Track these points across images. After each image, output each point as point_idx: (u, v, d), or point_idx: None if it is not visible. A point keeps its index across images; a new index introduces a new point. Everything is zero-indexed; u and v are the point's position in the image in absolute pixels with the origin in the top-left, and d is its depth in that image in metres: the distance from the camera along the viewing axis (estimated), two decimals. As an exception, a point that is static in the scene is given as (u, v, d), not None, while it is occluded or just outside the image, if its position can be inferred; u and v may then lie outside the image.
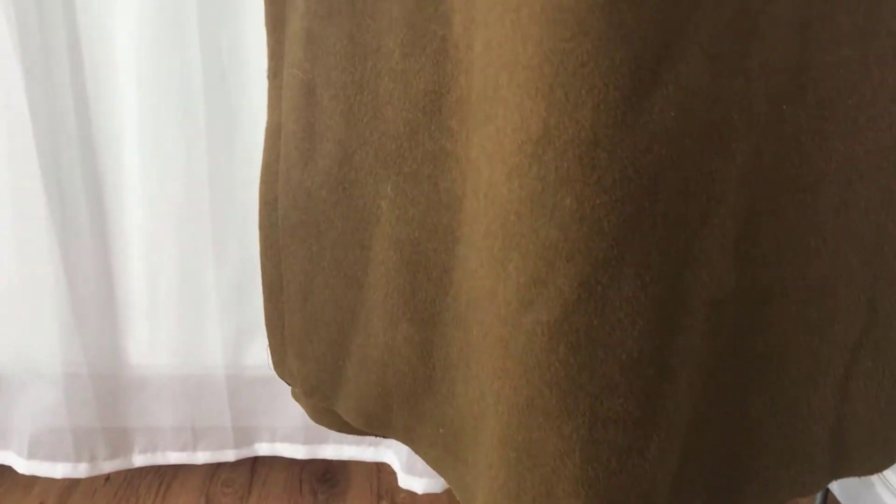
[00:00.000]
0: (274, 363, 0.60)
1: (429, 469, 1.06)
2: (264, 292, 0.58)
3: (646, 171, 0.36)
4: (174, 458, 1.12)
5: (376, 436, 0.56)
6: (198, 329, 1.05)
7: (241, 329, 1.08)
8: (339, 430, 0.59)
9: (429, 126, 0.44)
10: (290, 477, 1.20)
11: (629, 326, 0.37)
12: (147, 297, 1.04)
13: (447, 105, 0.42)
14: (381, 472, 1.21)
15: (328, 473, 1.22)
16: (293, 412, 1.11)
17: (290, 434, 1.12)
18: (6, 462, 1.10)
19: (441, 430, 0.49)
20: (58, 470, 1.07)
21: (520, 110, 0.36)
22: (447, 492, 1.08)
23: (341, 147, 0.48)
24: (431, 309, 0.47)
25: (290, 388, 0.61)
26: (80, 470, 1.07)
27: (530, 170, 0.36)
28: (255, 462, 1.21)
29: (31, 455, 1.06)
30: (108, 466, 1.10)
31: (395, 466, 1.12)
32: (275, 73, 0.53)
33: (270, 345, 0.60)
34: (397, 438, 0.53)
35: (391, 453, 1.13)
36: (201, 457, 1.12)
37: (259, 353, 1.10)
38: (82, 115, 0.96)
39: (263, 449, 1.15)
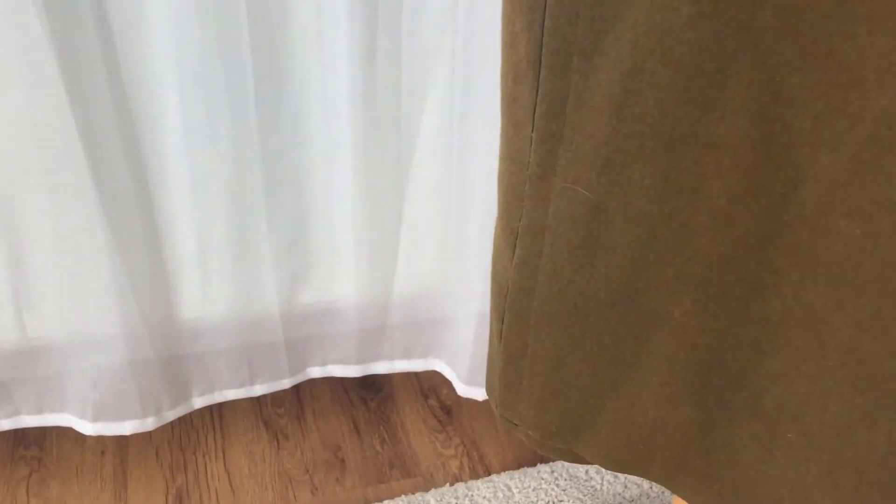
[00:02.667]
0: (502, 406, 0.65)
1: (478, 380, 1.15)
2: (504, 355, 0.61)
3: None
4: (232, 394, 1.15)
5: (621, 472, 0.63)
6: (251, 279, 1.05)
7: (295, 274, 1.08)
8: (564, 459, 0.65)
9: (748, 261, 0.47)
10: (334, 390, 1.27)
11: None
12: (197, 253, 1.02)
13: (777, 247, 0.46)
14: (420, 376, 1.30)
15: (369, 382, 1.29)
16: (344, 339, 1.15)
17: (343, 357, 1.17)
18: (68, 424, 1.09)
19: (716, 486, 0.56)
20: (125, 427, 1.08)
21: None
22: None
23: (633, 263, 0.50)
24: (721, 400, 0.52)
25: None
26: (148, 424, 1.09)
27: None
28: (299, 384, 1.25)
29: (96, 418, 1.06)
30: (171, 415, 1.11)
31: (448, 375, 1.20)
32: (540, 178, 0.52)
33: (501, 394, 0.64)
34: (651, 479, 0.61)
35: (442, 363, 1.20)
36: (259, 389, 1.16)
37: (312, 293, 1.11)
38: (114, 74, 0.87)
39: (316, 373, 1.19)
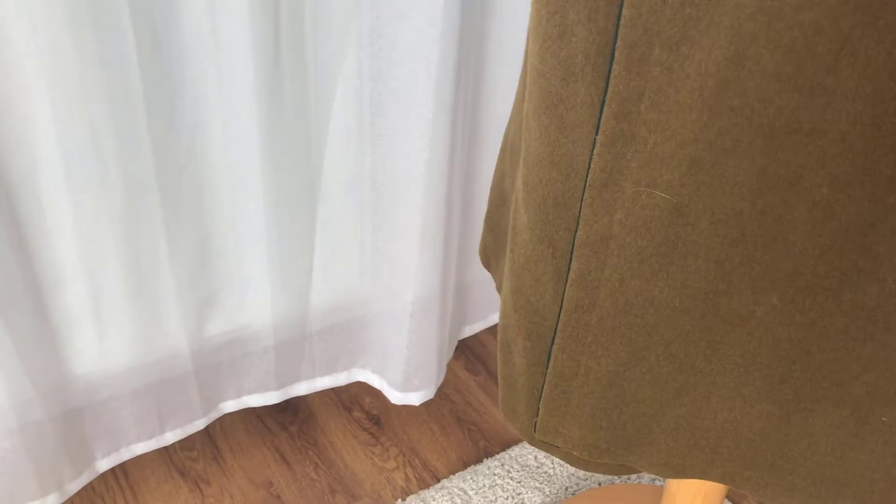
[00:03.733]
0: (541, 431, 0.59)
1: (413, 384, 1.09)
2: (551, 377, 0.55)
3: None
4: (141, 448, 1.01)
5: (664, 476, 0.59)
6: (153, 316, 0.92)
7: (203, 302, 0.96)
8: (609, 473, 0.61)
9: (844, 248, 0.44)
10: (247, 421, 1.15)
11: None
12: (88, 298, 0.87)
13: (879, 232, 0.43)
14: (338, 389, 1.21)
15: (284, 405, 1.18)
16: (260, 365, 1.04)
17: (260, 384, 1.06)
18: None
19: (788, 478, 0.54)
20: (23, 511, 0.92)
21: None
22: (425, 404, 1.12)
23: (717, 266, 0.46)
24: (800, 392, 0.50)
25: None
26: (49, 503, 0.93)
27: None
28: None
29: (-14, 508, 0.89)
30: (75, 486, 0.96)
31: (376, 384, 1.13)
32: (605, 184, 0.47)
33: (542, 419, 0.58)
34: (710, 479, 0.58)
35: (368, 372, 1.12)
36: (170, 436, 1.03)
37: (222, 320, 0.99)
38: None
39: (231, 406, 1.07)
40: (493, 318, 1.25)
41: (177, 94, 0.81)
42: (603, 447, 0.58)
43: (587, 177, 0.47)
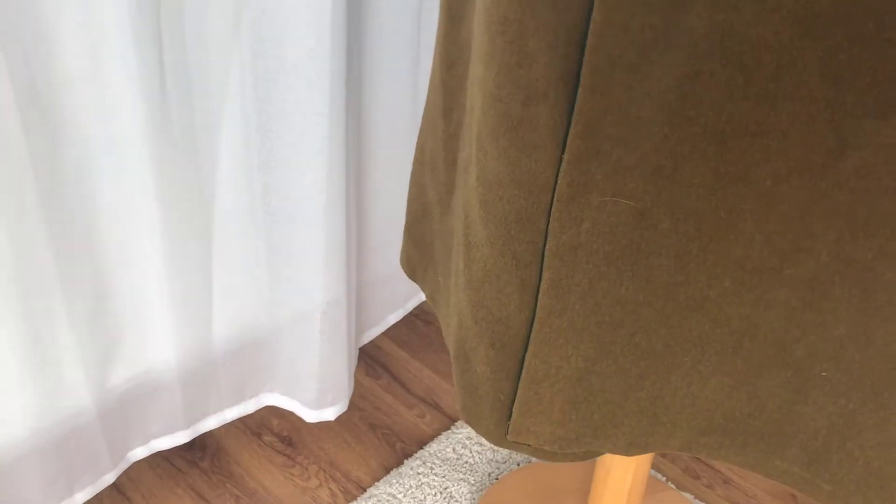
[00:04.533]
0: (513, 432, 0.62)
1: (327, 399, 1.08)
2: (526, 382, 0.58)
3: None
4: (50, 515, 0.95)
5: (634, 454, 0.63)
6: (52, 376, 0.86)
7: (105, 352, 0.91)
8: (575, 461, 0.65)
9: (786, 231, 0.49)
10: (154, 464, 1.10)
11: None
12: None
13: (814, 214, 0.49)
14: (242, 417, 1.18)
15: (191, 443, 1.14)
16: (167, 406, 1.00)
17: (168, 426, 1.02)
18: None
19: (740, 438, 0.60)
20: None
21: None
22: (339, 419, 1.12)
23: (678, 259, 0.51)
24: (749, 360, 0.55)
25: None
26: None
27: None
28: (116, 467, 1.07)
29: None
30: (-16, 568, 0.89)
31: (287, 406, 1.11)
32: (572, 198, 0.49)
33: (515, 421, 0.60)
34: (668, 450, 0.63)
35: (277, 395, 1.11)
36: (80, 497, 0.97)
37: (126, 366, 0.95)
38: None
39: (140, 454, 1.03)
40: (391, 320, 1.27)
41: (60, 141, 0.76)
42: (572, 438, 0.61)
43: (553, 192, 0.50)
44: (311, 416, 1.09)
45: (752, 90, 0.44)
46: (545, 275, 0.52)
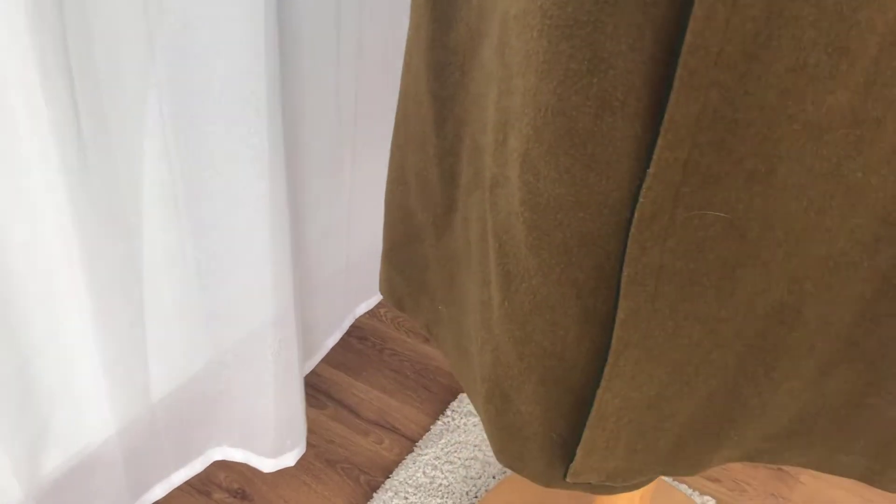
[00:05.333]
0: (574, 474, 0.56)
1: (286, 444, 0.99)
2: (595, 420, 0.52)
3: None
4: None
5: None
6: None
7: (33, 440, 0.78)
8: (632, 490, 0.60)
9: (870, 223, 0.46)
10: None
11: None
12: None
13: None
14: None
15: (132, 511, 1.01)
16: (109, 482, 0.88)
17: (112, 502, 0.90)
18: None
19: (806, 437, 0.57)
20: None
21: None
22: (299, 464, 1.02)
23: (764, 267, 0.46)
24: (821, 362, 0.52)
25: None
26: None
27: None
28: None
29: None
30: None
31: (240, 458, 1.01)
32: (653, 216, 0.44)
33: (579, 461, 0.55)
34: (728, 462, 0.59)
35: (226, 448, 1.00)
36: None
37: (59, 451, 0.82)
38: None
39: (81, 541, 0.89)
40: (329, 344, 1.18)
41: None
42: (636, 469, 0.56)
43: (630, 211, 0.44)
44: (268, 465, 0.99)
45: (854, 78, 0.40)
46: (622, 303, 0.47)
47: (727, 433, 0.55)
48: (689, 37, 0.38)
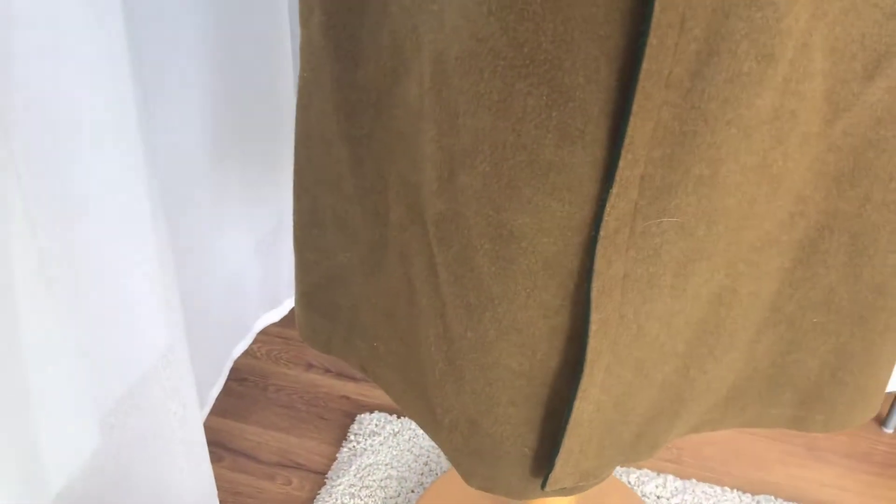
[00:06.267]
0: (554, 482, 0.57)
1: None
2: (574, 428, 0.53)
3: None
4: None
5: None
6: None
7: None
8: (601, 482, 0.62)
9: (791, 206, 0.51)
10: None
11: None
12: None
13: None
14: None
15: None
16: None
17: None
18: None
19: (741, 401, 0.61)
20: None
21: None
22: None
23: (710, 260, 0.50)
24: (749, 332, 0.57)
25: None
26: None
27: None
28: None
29: None
30: None
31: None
32: (616, 231, 0.46)
33: (559, 470, 0.56)
34: (679, 436, 0.63)
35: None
36: None
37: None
38: None
39: None
40: (214, 394, 1.12)
41: None
42: (605, 465, 0.59)
43: (592, 230, 0.46)
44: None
45: (776, 80, 0.44)
46: (594, 316, 0.49)
47: (678, 413, 0.59)
48: (645, 63, 0.40)
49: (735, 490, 1.07)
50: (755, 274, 0.54)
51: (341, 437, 1.15)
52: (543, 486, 0.58)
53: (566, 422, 0.53)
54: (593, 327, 0.49)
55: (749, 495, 1.07)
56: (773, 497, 1.07)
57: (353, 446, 1.12)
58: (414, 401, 0.64)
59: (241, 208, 1.11)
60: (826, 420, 0.63)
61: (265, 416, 1.19)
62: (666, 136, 0.43)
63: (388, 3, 0.50)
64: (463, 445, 0.59)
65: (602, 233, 0.46)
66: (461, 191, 0.49)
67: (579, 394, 0.52)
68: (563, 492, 0.60)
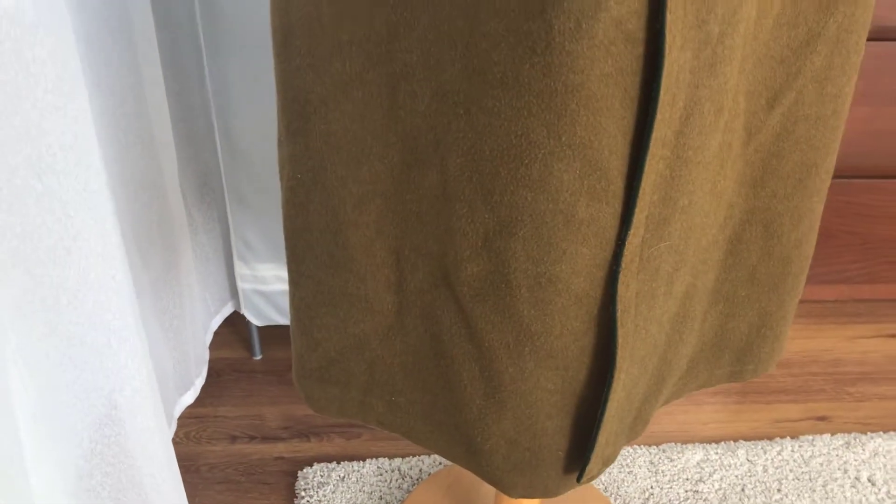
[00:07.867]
0: (588, 476, 0.68)
1: None
2: (608, 424, 0.64)
3: None
4: None
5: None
6: None
7: None
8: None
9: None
10: None
11: None
12: None
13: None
14: None
15: None
16: None
17: None
18: None
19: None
20: None
21: None
22: None
23: (686, 267, 0.64)
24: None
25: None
26: None
27: None
28: None
29: None
30: None
31: None
32: (630, 262, 0.58)
33: (594, 464, 0.66)
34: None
35: None
36: None
37: None
38: None
39: None
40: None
41: None
42: (619, 447, 0.71)
43: (616, 264, 0.58)
44: None
45: (720, 124, 0.58)
46: (620, 331, 0.60)
47: (661, 391, 0.73)
48: (654, 133, 0.52)
49: (643, 446, 1.25)
50: (705, 269, 0.68)
51: (290, 496, 1.19)
52: (579, 479, 0.69)
53: (599, 422, 0.65)
54: (619, 341, 0.61)
55: (655, 447, 1.24)
56: (675, 444, 1.25)
57: (307, 501, 1.16)
58: (441, 438, 0.72)
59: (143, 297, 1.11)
60: (755, 369, 0.80)
61: (207, 496, 1.19)
62: (660, 182, 0.56)
63: (397, 107, 0.58)
64: (503, 464, 0.68)
65: (623, 265, 0.58)
66: (498, 253, 0.58)
67: (611, 395, 0.64)
68: (591, 481, 0.72)
